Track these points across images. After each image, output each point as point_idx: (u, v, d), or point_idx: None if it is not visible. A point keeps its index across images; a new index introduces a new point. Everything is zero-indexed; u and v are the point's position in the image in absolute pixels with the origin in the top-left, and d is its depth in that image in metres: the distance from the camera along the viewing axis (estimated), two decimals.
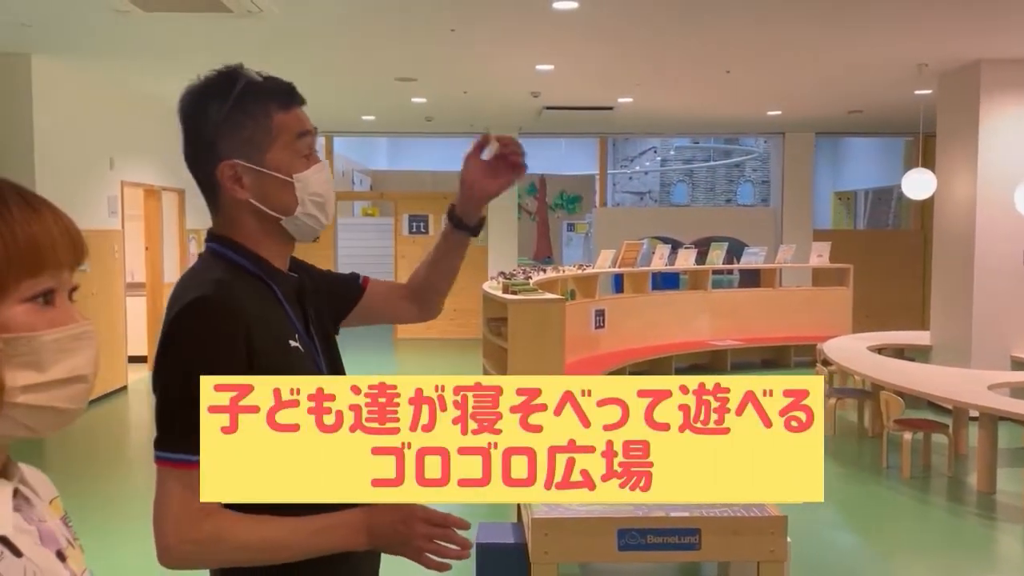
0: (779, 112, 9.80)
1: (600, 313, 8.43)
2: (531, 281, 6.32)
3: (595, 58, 6.84)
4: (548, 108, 9.19)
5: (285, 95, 1.32)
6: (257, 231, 1.33)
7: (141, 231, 8.97)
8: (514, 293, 5.23)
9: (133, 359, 8.48)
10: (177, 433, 1.18)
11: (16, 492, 0.76)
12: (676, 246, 10.16)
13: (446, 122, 10.53)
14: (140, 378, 8.59)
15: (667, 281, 10.98)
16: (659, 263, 9.30)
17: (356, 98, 8.82)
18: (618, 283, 10.10)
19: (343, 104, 9.21)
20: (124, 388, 8.10)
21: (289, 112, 1.31)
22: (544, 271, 7.93)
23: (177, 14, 5.28)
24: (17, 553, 0.72)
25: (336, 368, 1.44)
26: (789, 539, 2.49)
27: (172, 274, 9.26)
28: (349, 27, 5.79)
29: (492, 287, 5.80)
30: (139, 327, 8.74)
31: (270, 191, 1.31)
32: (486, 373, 5.78)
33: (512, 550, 3.02)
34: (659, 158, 24.48)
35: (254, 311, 1.25)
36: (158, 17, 5.35)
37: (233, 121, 1.29)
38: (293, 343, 1.30)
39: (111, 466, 5.94)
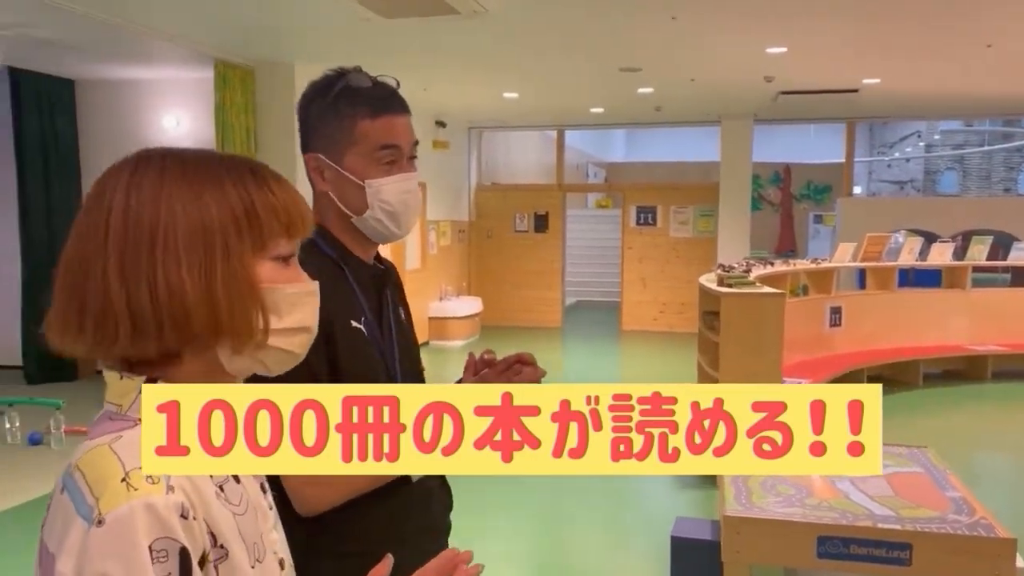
0: None
1: (836, 310, 7.90)
2: (752, 274, 6.06)
3: (832, 37, 6.38)
4: (784, 93, 8.72)
5: (377, 103, 1.38)
6: (337, 220, 1.43)
7: None
8: (729, 286, 5.04)
9: None
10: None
11: None
12: (932, 239, 9.23)
13: (676, 111, 10.33)
14: None
15: (923, 278, 9.99)
16: (908, 258, 8.51)
17: (582, 90, 8.91)
18: (863, 279, 9.38)
19: (570, 97, 9.35)
20: None
21: (376, 120, 1.38)
22: (772, 264, 7.56)
23: (412, 19, 5.65)
24: (237, 480, 0.87)
25: (411, 358, 1.50)
26: (1020, 564, 2.21)
27: (414, 261, 9.96)
28: (569, 20, 5.87)
29: (708, 279, 5.63)
30: None
31: (345, 189, 1.40)
32: (700, 369, 5.64)
33: (705, 546, 2.96)
34: (922, 143, 22.32)
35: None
36: (396, 23, 5.75)
37: (326, 120, 1.39)
38: (355, 324, 1.37)
39: None
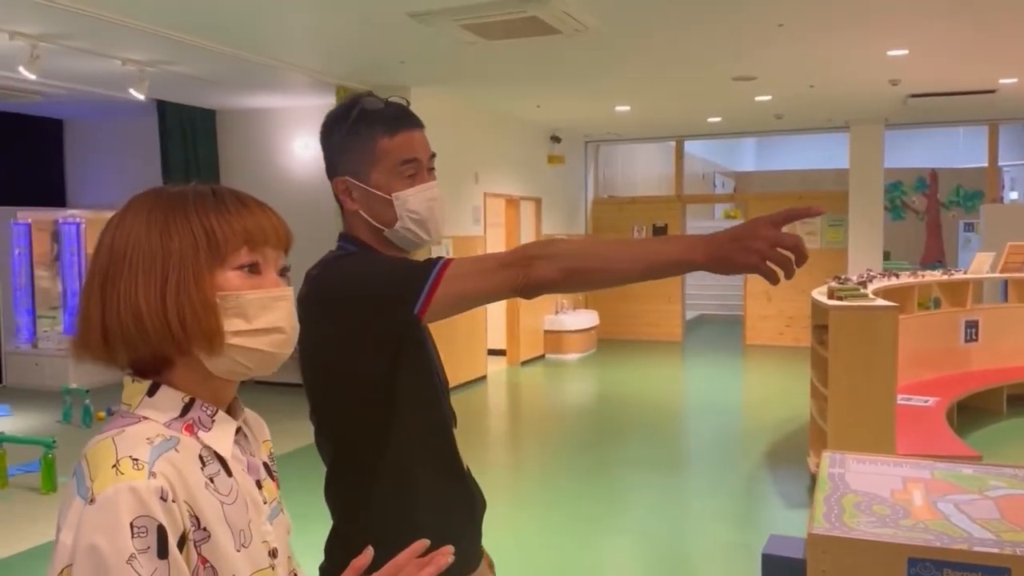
0: None
1: (972, 324, 7.42)
2: (872, 286, 5.81)
3: (955, 37, 6.05)
4: (913, 96, 8.30)
5: (393, 122, 1.48)
6: (370, 234, 1.53)
7: (503, 237, 9.90)
8: (839, 299, 4.85)
9: (492, 352, 9.39)
10: (419, 269, 1.37)
11: (239, 429, 1.02)
12: None
13: (799, 118, 10.01)
14: (499, 369, 9.49)
15: None
16: None
17: (696, 101, 8.80)
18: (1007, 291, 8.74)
19: (684, 108, 9.24)
20: (484, 377, 9.02)
21: (394, 137, 1.48)
22: (896, 276, 7.19)
23: (515, 40, 5.78)
24: (229, 474, 0.97)
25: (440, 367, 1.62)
26: None
27: None
28: (671, 34, 5.84)
29: (819, 292, 5.43)
30: (497, 324, 9.65)
31: (374, 205, 1.50)
32: (812, 385, 5.44)
33: (794, 564, 2.89)
34: None
35: None
36: (500, 45, 5.90)
37: (347, 144, 1.49)
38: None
39: (472, 448, 6.67)
